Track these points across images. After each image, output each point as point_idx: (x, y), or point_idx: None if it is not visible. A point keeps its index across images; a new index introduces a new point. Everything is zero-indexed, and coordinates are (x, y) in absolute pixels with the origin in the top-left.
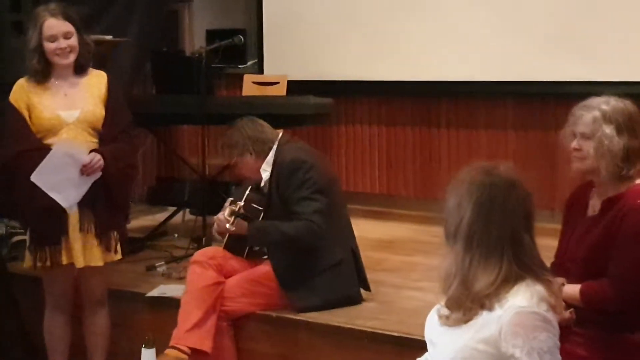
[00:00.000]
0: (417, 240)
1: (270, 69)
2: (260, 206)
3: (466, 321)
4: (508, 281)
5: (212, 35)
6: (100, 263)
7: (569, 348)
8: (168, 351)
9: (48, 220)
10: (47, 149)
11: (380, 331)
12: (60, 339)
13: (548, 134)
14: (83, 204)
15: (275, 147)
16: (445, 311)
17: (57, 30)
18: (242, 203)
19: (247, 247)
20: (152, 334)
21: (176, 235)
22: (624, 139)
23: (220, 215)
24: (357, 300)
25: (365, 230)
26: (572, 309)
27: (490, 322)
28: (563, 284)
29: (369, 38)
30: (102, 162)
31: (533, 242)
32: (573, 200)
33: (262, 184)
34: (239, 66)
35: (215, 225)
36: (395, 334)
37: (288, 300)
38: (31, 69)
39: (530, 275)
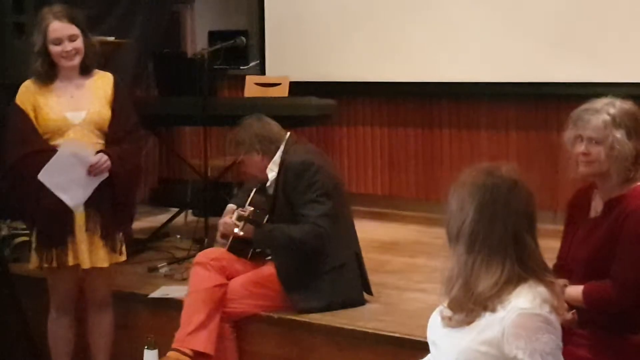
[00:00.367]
0: (420, 242)
1: (272, 70)
2: (265, 207)
3: (469, 323)
4: (510, 283)
5: (214, 36)
6: (106, 264)
7: (572, 349)
8: (170, 354)
9: (54, 221)
10: (53, 150)
11: (382, 332)
12: (64, 340)
13: (550, 135)
14: (89, 204)
15: (282, 147)
16: (448, 312)
17: (62, 34)
18: (252, 208)
19: (251, 249)
20: (154, 335)
21: (178, 236)
22: (633, 142)
23: (227, 219)
24: (359, 303)
25: (367, 231)
26: (574, 310)
27: (492, 324)
28: (565, 285)
29: (371, 39)
30: (109, 162)
31: (535, 243)
32: (575, 202)
33: (268, 183)
34: (241, 67)
35: (220, 229)
36: (397, 336)
37: (291, 302)
38: (36, 72)
39: (532, 277)
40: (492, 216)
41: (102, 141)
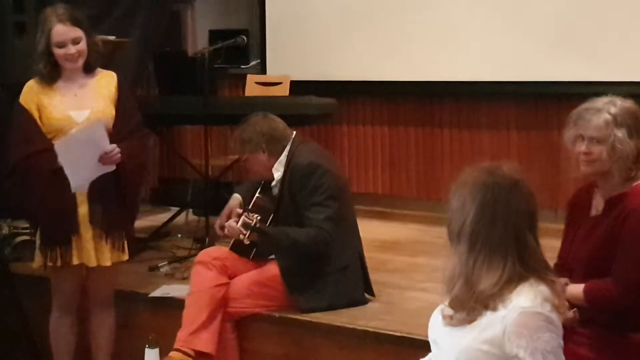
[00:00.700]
0: (421, 241)
1: (273, 69)
2: (270, 207)
3: (470, 321)
4: (511, 281)
5: (214, 35)
6: (108, 263)
7: (573, 348)
8: (172, 354)
9: (58, 220)
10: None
11: (383, 332)
12: (66, 340)
13: (551, 134)
14: (93, 201)
15: (289, 146)
16: (449, 311)
17: (65, 37)
18: (258, 216)
19: (253, 250)
20: (155, 335)
21: (179, 235)
22: (634, 141)
23: (232, 224)
24: (361, 303)
25: (368, 230)
26: (575, 309)
27: (494, 323)
28: (566, 284)
29: (372, 38)
30: (119, 155)
31: (536, 242)
32: (576, 201)
33: (274, 183)
34: (242, 66)
35: (225, 230)
36: (398, 335)
37: (294, 302)
38: (39, 73)
39: (533, 276)
40: (493, 215)
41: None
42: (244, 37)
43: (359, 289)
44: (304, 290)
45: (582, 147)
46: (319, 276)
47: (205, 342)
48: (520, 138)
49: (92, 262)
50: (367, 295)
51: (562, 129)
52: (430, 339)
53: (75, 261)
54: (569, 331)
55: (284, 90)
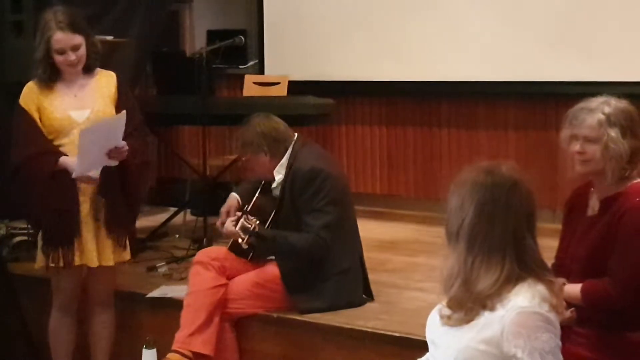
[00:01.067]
0: (419, 241)
1: (271, 70)
2: (269, 209)
3: (468, 321)
4: (510, 281)
5: (212, 35)
6: (111, 263)
7: (571, 348)
8: (170, 355)
9: (61, 220)
10: (58, 152)
11: (381, 332)
12: (65, 340)
13: (549, 134)
14: (97, 199)
15: (290, 149)
16: (447, 311)
17: (65, 44)
18: (257, 222)
19: (252, 251)
20: (153, 335)
21: (177, 235)
22: (628, 141)
23: (230, 227)
24: (360, 306)
25: (367, 230)
26: (573, 309)
27: (492, 323)
28: (564, 284)
29: (370, 38)
30: (125, 153)
31: (535, 242)
32: (573, 201)
33: (274, 185)
34: (240, 66)
35: (224, 230)
36: (396, 335)
37: (293, 303)
38: (38, 77)
39: (531, 276)
40: (492, 215)
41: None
42: (242, 37)
43: (358, 292)
44: (303, 292)
45: (576, 146)
46: (320, 278)
47: (204, 344)
48: (518, 138)
49: (94, 263)
50: (365, 298)
51: (560, 128)
52: (427, 339)
53: (77, 262)
54: (567, 331)
55: (282, 91)
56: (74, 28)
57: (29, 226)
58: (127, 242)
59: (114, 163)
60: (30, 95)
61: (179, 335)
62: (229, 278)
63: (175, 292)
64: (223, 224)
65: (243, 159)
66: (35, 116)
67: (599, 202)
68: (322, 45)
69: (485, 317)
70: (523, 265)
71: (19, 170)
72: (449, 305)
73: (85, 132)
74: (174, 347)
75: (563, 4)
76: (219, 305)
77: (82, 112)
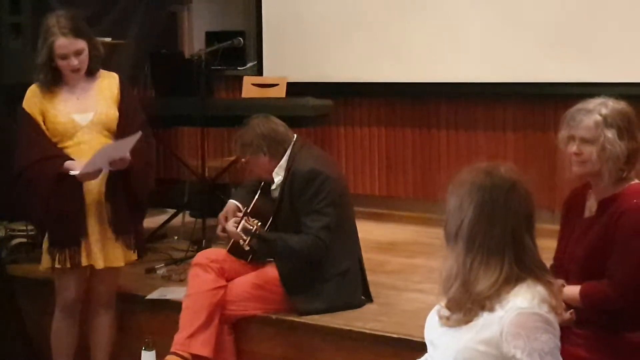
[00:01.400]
0: (418, 242)
1: (270, 71)
2: (269, 210)
3: (467, 322)
4: (509, 282)
5: (211, 37)
6: (121, 263)
7: (570, 349)
8: (169, 357)
9: (67, 222)
10: (63, 155)
11: (380, 333)
12: (67, 341)
13: (548, 135)
14: (104, 201)
15: (289, 150)
16: (446, 312)
17: (68, 50)
18: (259, 223)
19: (252, 253)
20: (152, 337)
21: (176, 237)
22: (625, 142)
23: (232, 228)
24: (359, 307)
25: (366, 232)
26: (572, 310)
27: (491, 323)
28: (563, 285)
29: (369, 40)
30: (126, 164)
31: (534, 243)
32: (570, 202)
33: (274, 186)
34: (239, 68)
35: (227, 229)
36: (395, 336)
37: (292, 305)
38: (40, 81)
39: (530, 276)
40: (491, 216)
41: (110, 142)
42: (241, 39)
43: (357, 294)
44: (302, 293)
45: (573, 147)
46: (319, 280)
47: (202, 346)
48: (517, 139)
49: (100, 264)
50: (364, 299)
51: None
52: (426, 340)
53: (84, 262)
54: (566, 332)
55: (280, 92)
56: (76, 33)
57: (32, 228)
58: (134, 242)
59: (108, 168)
60: (33, 99)
61: (178, 337)
62: (228, 280)
63: (174, 294)
64: (223, 230)
65: (242, 160)
66: (39, 120)
67: (597, 203)
68: (320, 46)
69: (484, 317)
70: (522, 266)
71: (24, 174)
72: (448, 306)
73: (107, 147)
74: (172, 349)
75: (563, 5)
76: (218, 307)
77: (85, 114)
